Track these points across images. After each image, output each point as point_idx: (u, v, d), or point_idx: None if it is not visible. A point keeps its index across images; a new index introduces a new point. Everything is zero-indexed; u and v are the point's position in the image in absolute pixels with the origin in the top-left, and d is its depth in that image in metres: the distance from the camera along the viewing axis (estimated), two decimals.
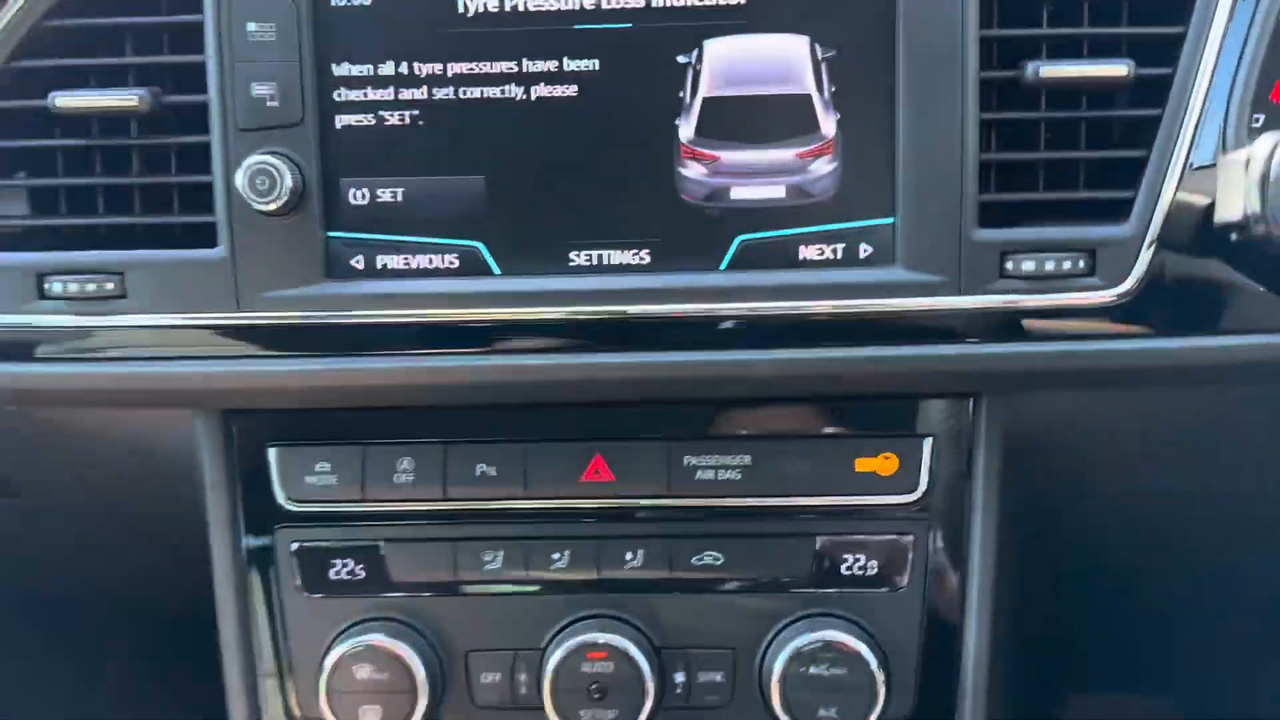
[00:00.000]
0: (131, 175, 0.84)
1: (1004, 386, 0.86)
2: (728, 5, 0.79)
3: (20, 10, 0.81)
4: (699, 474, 0.89)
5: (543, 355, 0.83)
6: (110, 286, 0.82)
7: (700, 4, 0.79)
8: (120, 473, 0.97)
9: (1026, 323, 0.81)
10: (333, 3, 0.79)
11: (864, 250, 0.81)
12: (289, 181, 0.78)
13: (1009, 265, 0.80)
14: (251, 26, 0.79)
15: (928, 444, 0.89)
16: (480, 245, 0.82)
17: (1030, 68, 0.78)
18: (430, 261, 0.82)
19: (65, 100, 0.80)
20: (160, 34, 0.83)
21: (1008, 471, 0.90)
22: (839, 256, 0.81)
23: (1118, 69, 0.78)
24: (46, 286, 0.82)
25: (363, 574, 0.91)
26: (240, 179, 0.78)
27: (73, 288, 0.82)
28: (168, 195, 0.84)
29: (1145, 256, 0.80)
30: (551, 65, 0.80)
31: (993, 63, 0.80)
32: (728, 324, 0.82)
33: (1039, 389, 0.86)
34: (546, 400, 0.86)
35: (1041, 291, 0.80)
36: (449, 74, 0.80)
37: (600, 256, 0.82)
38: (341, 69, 0.80)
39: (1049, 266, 0.79)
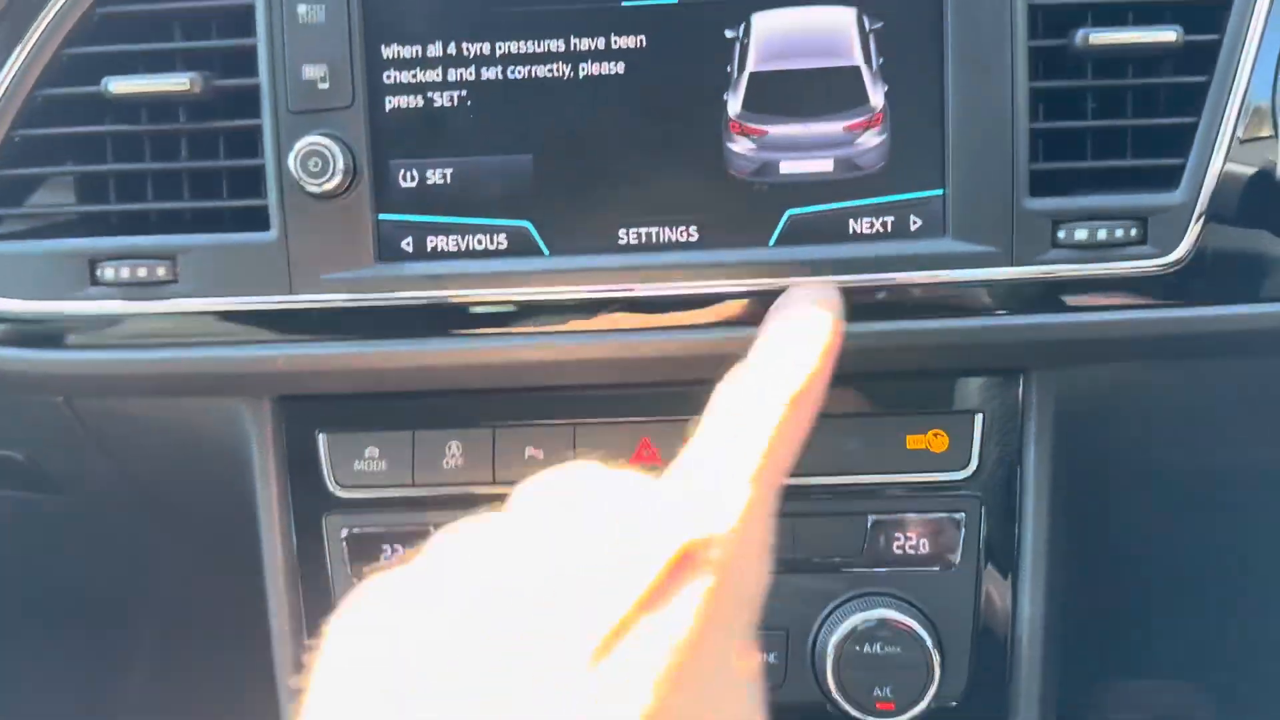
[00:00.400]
0: (181, 160, 0.84)
1: (1057, 358, 0.86)
2: None
3: None
4: None
5: (594, 334, 0.82)
6: (162, 271, 0.82)
7: None
8: (167, 463, 0.97)
9: (1079, 292, 0.81)
10: None
11: (914, 222, 0.81)
12: (341, 163, 0.78)
13: (1061, 234, 0.79)
14: (302, 9, 0.79)
15: (978, 420, 0.89)
16: (529, 225, 0.82)
17: (1079, 35, 0.78)
18: (479, 242, 0.82)
19: (119, 85, 0.80)
20: (209, 19, 0.83)
21: (1058, 448, 0.90)
22: (889, 229, 0.81)
23: (1167, 35, 0.78)
24: (99, 272, 0.82)
25: None
26: (292, 161, 0.78)
27: (125, 273, 0.82)
28: (215, 182, 0.85)
29: (1196, 223, 0.79)
30: (599, 43, 0.80)
31: (1039, 31, 0.80)
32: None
33: (1092, 360, 0.86)
34: (599, 380, 0.86)
35: (1093, 261, 0.80)
36: (496, 54, 0.81)
37: (649, 234, 0.82)
38: (390, 50, 0.81)
39: (1101, 235, 0.79)
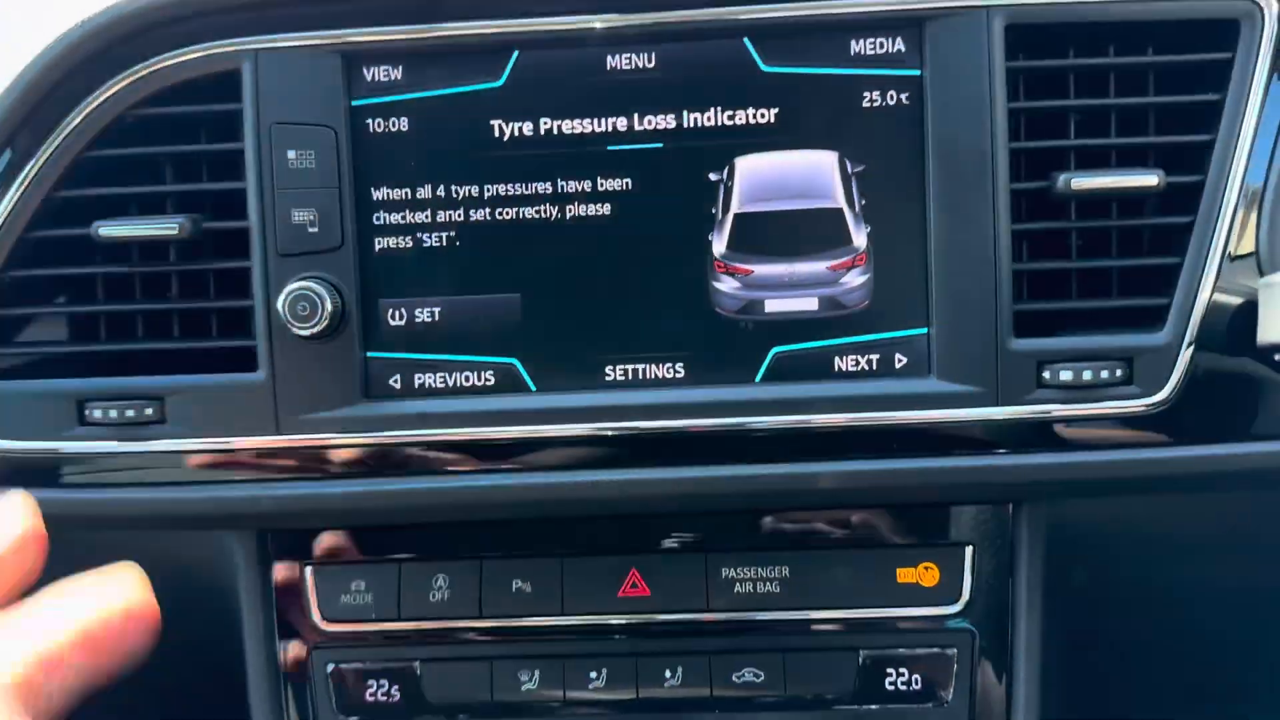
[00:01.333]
0: (171, 300, 0.85)
1: (1044, 495, 0.85)
2: (757, 124, 0.80)
3: (64, 142, 0.82)
4: (737, 587, 0.88)
5: (580, 472, 0.82)
6: (150, 411, 0.82)
7: (730, 123, 0.80)
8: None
9: (1065, 432, 0.81)
10: (371, 129, 0.81)
11: (899, 361, 0.81)
12: (329, 306, 0.79)
13: (1046, 375, 0.79)
14: (291, 154, 0.80)
15: (968, 552, 0.88)
16: (516, 362, 0.83)
17: (1061, 179, 0.79)
18: (467, 379, 0.83)
19: (108, 230, 0.81)
20: (200, 161, 0.84)
21: (1050, 578, 0.89)
22: (874, 367, 0.81)
23: (1148, 179, 0.79)
24: (87, 413, 0.82)
25: (399, 695, 0.89)
26: (281, 304, 0.79)
27: (113, 414, 0.82)
28: (205, 319, 0.85)
29: (1182, 363, 0.79)
30: (585, 185, 0.81)
31: (1021, 174, 0.81)
32: (764, 437, 0.81)
33: (1080, 496, 0.85)
34: (585, 515, 0.85)
35: (1079, 401, 0.80)
36: (485, 196, 0.82)
37: (635, 371, 0.82)
38: (380, 193, 0.82)
39: (1087, 376, 0.79)
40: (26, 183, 0.82)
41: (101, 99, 0.81)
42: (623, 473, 0.82)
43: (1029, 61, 0.80)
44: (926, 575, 0.88)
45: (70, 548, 0.92)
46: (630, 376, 0.82)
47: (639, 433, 0.82)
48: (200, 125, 0.84)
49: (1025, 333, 0.80)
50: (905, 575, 0.88)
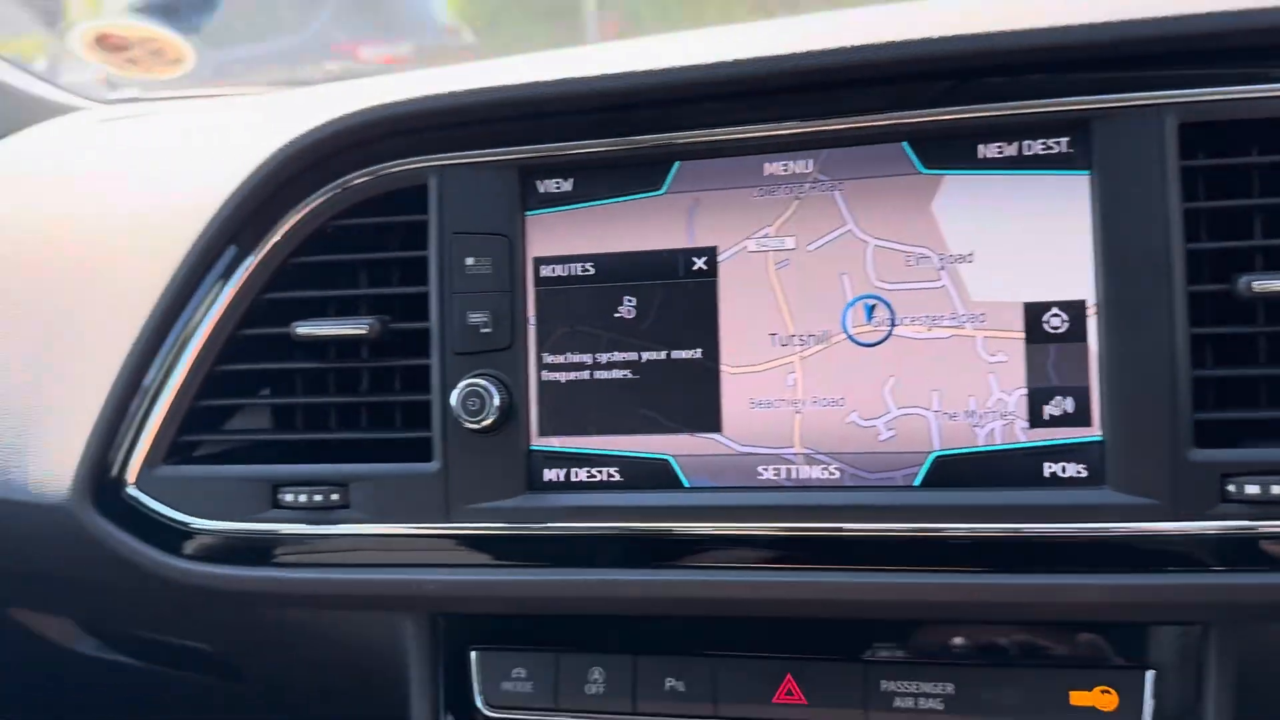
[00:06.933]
0: (360, 394, 0.91)
1: (1233, 616, 0.79)
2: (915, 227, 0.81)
3: (274, 248, 0.91)
4: (897, 701, 0.85)
5: (732, 572, 0.82)
6: (335, 497, 0.88)
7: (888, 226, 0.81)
8: (329, 664, 1.01)
9: (1251, 549, 0.75)
10: (543, 237, 0.86)
11: (1069, 470, 0.78)
12: (497, 401, 0.83)
13: (1231, 488, 0.74)
14: (469, 261, 0.86)
15: (1149, 677, 0.82)
16: (670, 459, 0.84)
17: (1243, 281, 0.75)
18: (622, 474, 0.85)
19: (305, 329, 0.89)
20: (391, 267, 0.91)
21: (1243, 706, 0.82)
22: (1043, 475, 0.78)
23: None
24: (280, 496, 0.89)
25: None
26: (454, 399, 0.84)
27: (303, 498, 0.89)
28: (388, 412, 0.91)
29: None
30: (744, 283, 0.83)
31: (1201, 275, 0.77)
32: (923, 545, 0.79)
33: (1273, 619, 0.79)
34: (741, 614, 0.85)
35: (1266, 518, 0.74)
36: (646, 297, 0.85)
37: (790, 470, 0.82)
38: (548, 297, 0.86)
39: (1275, 490, 0.74)
40: (240, 284, 0.91)
41: (309, 209, 0.90)
42: (773, 575, 0.82)
43: (1207, 160, 0.77)
44: (1104, 700, 0.83)
45: (256, 624, 1.00)
46: (784, 476, 0.82)
47: (791, 534, 0.81)
48: (390, 233, 0.91)
49: (1207, 443, 0.75)
50: (1080, 699, 0.83)
